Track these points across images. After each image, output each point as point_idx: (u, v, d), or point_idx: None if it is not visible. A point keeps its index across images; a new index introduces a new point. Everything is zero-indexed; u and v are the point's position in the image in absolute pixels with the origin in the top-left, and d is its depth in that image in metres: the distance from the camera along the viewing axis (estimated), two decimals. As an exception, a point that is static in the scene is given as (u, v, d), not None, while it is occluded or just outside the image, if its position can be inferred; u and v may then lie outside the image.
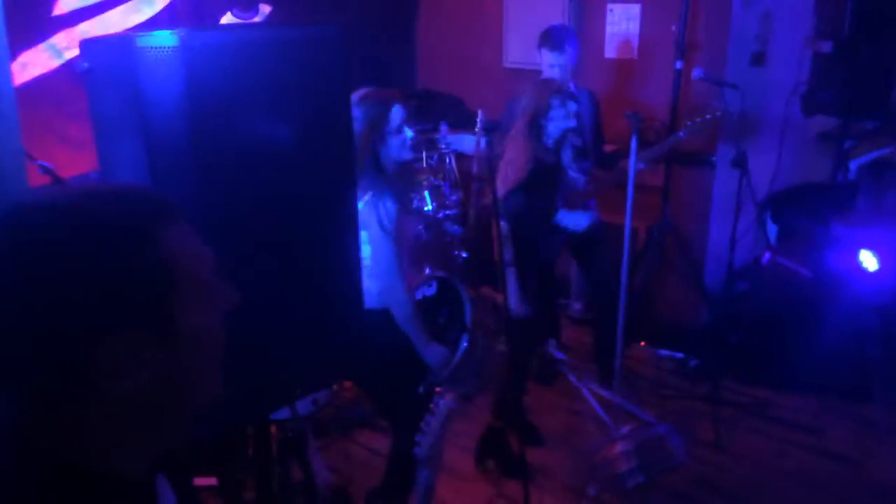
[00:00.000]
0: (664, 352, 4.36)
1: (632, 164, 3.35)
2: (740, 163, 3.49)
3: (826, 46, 4.00)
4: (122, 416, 0.76)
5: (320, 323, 1.70)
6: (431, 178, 4.18)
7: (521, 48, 4.91)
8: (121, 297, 0.73)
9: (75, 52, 3.22)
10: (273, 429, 2.83)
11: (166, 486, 0.89)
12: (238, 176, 1.49)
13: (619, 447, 2.98)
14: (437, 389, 1.83)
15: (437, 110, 3.29)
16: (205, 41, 1.39)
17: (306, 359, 1.67)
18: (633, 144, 3.23)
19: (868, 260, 3.99)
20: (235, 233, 1.48)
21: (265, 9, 3.69)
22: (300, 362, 1.66)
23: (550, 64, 3.79)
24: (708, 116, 3.62)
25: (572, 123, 3.35)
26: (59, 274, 0.71)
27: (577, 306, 4.82)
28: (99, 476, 0.76)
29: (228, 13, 3.61)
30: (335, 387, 3.70)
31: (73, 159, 3.44)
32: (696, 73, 3.72)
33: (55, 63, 3.59)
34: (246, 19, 3.57)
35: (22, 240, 0.73)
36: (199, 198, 1.40)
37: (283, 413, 2.76)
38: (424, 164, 4.33)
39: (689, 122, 3.66)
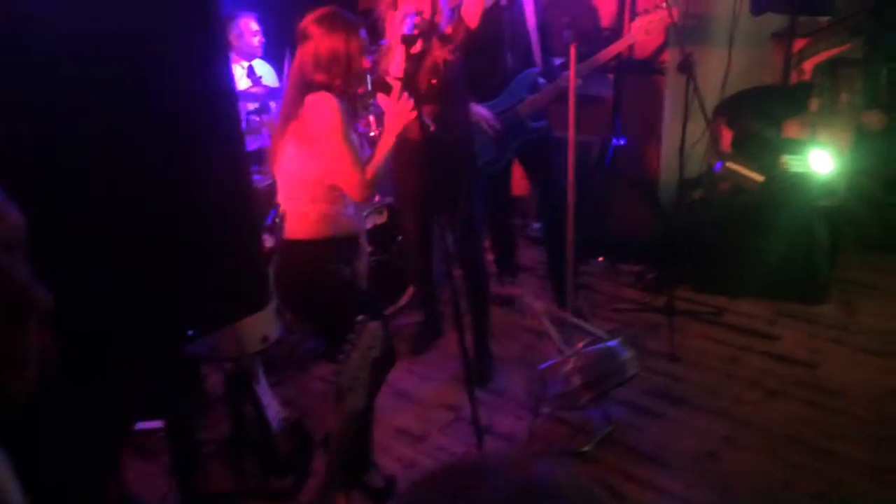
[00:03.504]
0: (622, 265, 4.33)
1: (572, 74, 3.25)
2: (686, 67, 3.37)
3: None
4: None
5: (211, 260, 1.62)
6: (375, 103, 4.01)
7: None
8: None
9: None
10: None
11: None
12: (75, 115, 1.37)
13: (570, 364, 2.97)
14: (360, 317, 1.76)
15: (379, 31, 3.14)
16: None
17: (198, 299, 1.60)
18: (573, 54, 3.12)
19: (821, 161, 3.95)
20: (95, 174, 1.37)
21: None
22: (192, 303, 1.59)
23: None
24: (656, 13, 3.47)
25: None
26: None
27: (535, 226, 4.77)
28: None
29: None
30: (287, 323, 3.64)
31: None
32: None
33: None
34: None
35: None
36: (36, 143, 1.29)
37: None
38: (369, 87, 4.15)
39: (635, 16, 3.51)
